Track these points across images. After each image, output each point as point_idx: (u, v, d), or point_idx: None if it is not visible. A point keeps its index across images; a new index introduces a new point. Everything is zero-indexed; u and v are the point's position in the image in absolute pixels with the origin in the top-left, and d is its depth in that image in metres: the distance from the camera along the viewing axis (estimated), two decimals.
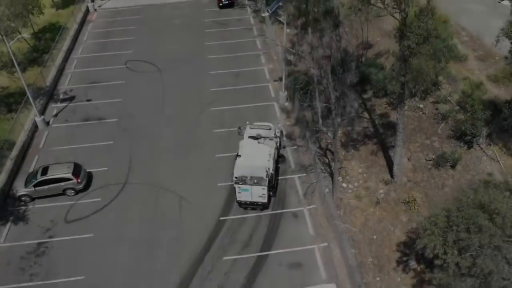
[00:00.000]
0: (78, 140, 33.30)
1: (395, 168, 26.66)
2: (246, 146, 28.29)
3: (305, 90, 29.78)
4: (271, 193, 27.35)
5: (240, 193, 26.51)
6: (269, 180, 26.51)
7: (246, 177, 26.29)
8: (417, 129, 29.70)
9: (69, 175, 28.28)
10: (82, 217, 27.60)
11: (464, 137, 27.36)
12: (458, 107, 29.28)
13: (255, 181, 26.11)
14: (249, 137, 29.34)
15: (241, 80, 39.05)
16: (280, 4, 30.75)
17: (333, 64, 26.31)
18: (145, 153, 32.01)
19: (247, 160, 26.94)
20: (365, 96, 34.23)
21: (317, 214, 26.99)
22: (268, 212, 27.30)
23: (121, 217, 27.44)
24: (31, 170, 30.60)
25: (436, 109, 30.42)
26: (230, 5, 51.22)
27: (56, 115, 36.07)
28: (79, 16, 50.16)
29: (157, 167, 30.80)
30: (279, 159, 30.76)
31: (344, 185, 28.27)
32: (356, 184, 28.19)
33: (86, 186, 29.29)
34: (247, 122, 31.29)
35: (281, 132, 31.80)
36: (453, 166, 26.26)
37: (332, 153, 29.13)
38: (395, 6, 19.13)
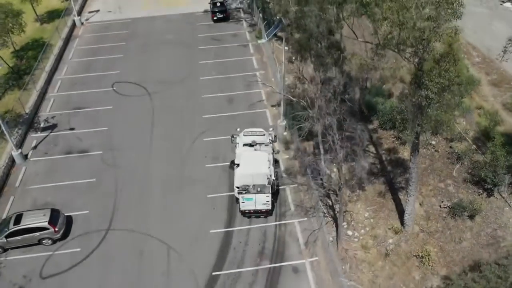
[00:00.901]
0: (58, 177, 30.50)
1: (406, 217, 24.04)
2: (244, 154, 27.69)
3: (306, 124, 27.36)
4: (273, 199, 26.91)
5: (243, 202, 26.00)
6: (271, 187, 26.41)
7: (249, 186, 26.03)
8: (430, 169, 27.07)
9: (46, 224, 25.50)
10: (59, 272, 24.86)
11: (483, 183, 24.71)
12: (474, 146, 26.67)
13: (258, 189, 25.89)
14: (244, 144, 28.74)
15: (236, 105, 36.25)
16: (279, 28, 28.10)
17: (335, 89, 23.93)
18: (130, 193, 29.22)
19: (247, 168, 26.42)
20: (370, 126, 31.58)
21: (319, 268, 24.32)
22: (266, 266, 24.62)
23: (102, 273, 24.65)
24: (4, 215, 27.83)
25: (450, 147, 27.78)
26: (225, 19, 48.37)
27: (35, 147, 33.26)
28: (65, 31, 47.19)
29: (143, 210, 28.04)
30: (275, 164, 29.67)
31: (350, 232, 25.63)
32: (362, 231, 25.55)
33: (65, 234, 26.58)
34: (238, 129, 30.57)
35: (275, 136, 30.78)
36: (471, 217, 23.65)
37: (336, 193, 26.60)
38: (412, 53, 16.47)
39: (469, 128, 27.83)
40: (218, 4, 48.50)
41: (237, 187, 26.39)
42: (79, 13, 51.68)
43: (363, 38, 21.91)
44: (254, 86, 38.29)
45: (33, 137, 34.18)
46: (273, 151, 29.73)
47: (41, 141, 33.78)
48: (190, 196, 28.65)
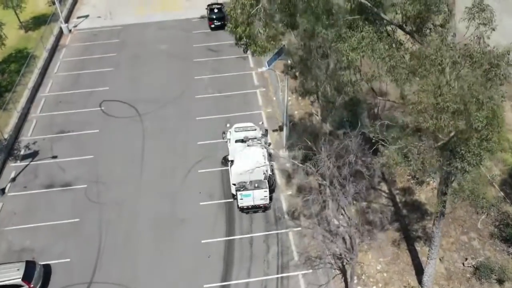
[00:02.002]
0: (37, 216, 27.61)
1: (425, 278, 21.25)
2: (237, 150, 27.58)
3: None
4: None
5: (242, 199, 26.18)
6: (268, 181, 26.59)
7: (246, 182, 26.10)
8: (451, 218, 24.13)
9: (19, 281, 22.67)
10: None
11: None
12: (502, 194, 23.74)
13: (256, 185, 26.07)
14: (236, 140, 28.45)
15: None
16: (281, 57, 25.09)
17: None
18: (116, 236, 26.30)
19: (242, 165, 26.23)
20: (382, 160, 28.58)
21: None
22: None
23: None
24: None
25: None
26: (223, 26, 44.98)
27: (14, 179, 30.34)
28: (51, 40, 43.85)
29: (130, 258, 25.11)
30: (269, 157, 29.08)
31: None
32: None
33: None
34: (228, 125, 30.41)
35: (266, 130, 30.84)
36: (500, 282, 20.86)
37: (345, 240, 23.83)
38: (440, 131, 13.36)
39: (495, 172, 24.72)
40: (216, 10, 45.09)
41: (234, 184, 26.51)
42: (67, 19, 48.28)
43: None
44: (254, 107, 35.24)
45: (12, 167, 31.21)
46: (266, 145, 29.19)
47: (20, 172, 30.84)
48: (182, 241, 25.79)
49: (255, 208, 26.77)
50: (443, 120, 11.83)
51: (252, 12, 16.47)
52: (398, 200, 26.12)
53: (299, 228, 26.17)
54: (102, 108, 35.97)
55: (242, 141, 28.17)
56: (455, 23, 14.14)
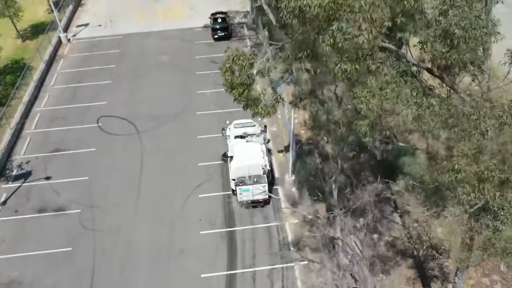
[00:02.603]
0: (28, 245, 25.97)
1: None
2: (237, 146, 27.97)
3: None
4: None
5: (241, 194, 26.55)
6: (266, 176, 27.02)
7: (244, 177, 26.52)
8: None
9: None
10: None
11: None
12: None
13: (255, 179, 26.41)
14: (236, 136, 28.84)
15: None
16: (287, 82, 23.45)
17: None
18: (111, 268, 24.57)
19: (241, 160, 26.85)
20: (395, 187, 26.86)
21: None
22: None
23: None
24: None
25: None
26: (227, 37, 43.38)
27: (4, 203, 28.75)
28: (48, 50, 42.34)
29: None
30: (268, 153, 29.61)
31: None
32: None
33: None
34: (227, 121, 30.41)
35: (265, 126, 30.83)
36: None
37: (355, 278, 22.13)
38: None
39: None
40: (220, 20, 43.45)
41: (233, 179, 26.94)
42: (66, 28, 46.91)
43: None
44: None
45: (3, 189, 29.62)
46: (264, 141, 29.59)
47: (12, 194, 29.31)
48: (181, 275, 24.04)
49: (254, 203, 27.17)
50: (487, 191, 10.14)
51: (250, 74, 14.72)
52: (412, 231, 24.34)
53: (306, 262, 24.44)
54: (99, 124, 34.38)
55: (241, 137, 28.76)
56: (490, 63, 12.43)
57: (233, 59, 15.01)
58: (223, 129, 30.34)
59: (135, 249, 25.51)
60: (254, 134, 28.84)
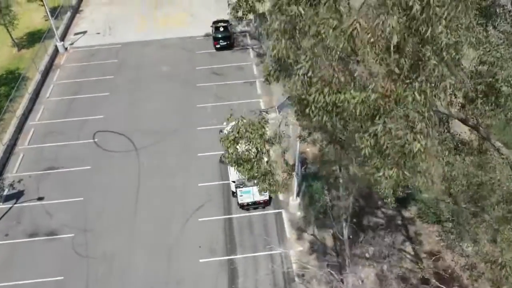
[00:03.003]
0: (17, 273, 24.45)
1: None
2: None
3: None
4: None
5: (241, 195, 26.54)
6: None
7: (245, 178, 24.67)
8: None
9: None
10: None
11: None
12: None
13: (255, 181, 23.16)
14: None
15: None
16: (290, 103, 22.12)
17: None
18: None
19: None
20: (406, 214, 25.32)
21: None
22: None
23: None
24: None
25: None
26: (229, 46, 41.90)
27: None
28: (44, 60, 40.86)
29: None
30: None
31: None
32: None
33: None
34: (224, 123, 29.43)
35: None
36: None
37: None
38: None
39: None
40: (221, 28, 41.89)
41: (233, 181, 26.82)
42: (63, 36, 45.48)
43: None
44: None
45: None
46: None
47: (2, 216, 27.91)
48: None
49: (255, 205, 27.12)
50: None
51: (260, 147, 12.80)
52: (425, 264, 22.77)
53: None
54: (96, 140, 32.94)
55: None
56: None
57: (238, 131, 12.99)
58: (221, 131, 29.82)
59: (130, 279, 24.06)
60: None
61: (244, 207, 27.19)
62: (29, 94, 36.70)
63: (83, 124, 34.37)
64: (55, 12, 48.41)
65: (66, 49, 43.56)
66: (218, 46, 41.51)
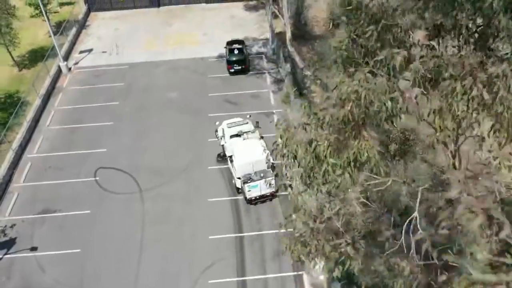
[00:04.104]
0: None
1: None
2: (236, 145, 28.11)
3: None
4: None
5: (250, 191, 26.70)
6: (271, 169, 27.53)
7: (251, 174, 26.87)
8: None
9: None
10: None
11: None
12: None
13: (262, 174, 26.86)
14: (231, 136, 29.02)
15: (254, 220, 26.90)
16: None
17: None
18: None
19: (244, 158, 27.04)
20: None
21: None
22: None
23: None
24: None
25: None
26: (243, 70, 38.81)
27: None
28: (46, 82, 38.13)
29: None
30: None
31: None
32: None
33: None
34: (217, 123, 30.58)
35: (257, 122, 30.81)
36: None
37: None
38: None
39: None
40: (236, 51, 38.65)
41: (239, 178, 27.08)
42: (68, 53, 42.81)
43: None
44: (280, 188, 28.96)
45: None
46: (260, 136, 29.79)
47: None
48: None
49: (262, 198, 27.30)
50: None
51: None
52: None
53: None
54: (97, 178, 30.03)
55: (237, 135, 28.92)
56: None
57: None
58: (216, 131, 30.55)
59: None
60: (249, 131, 29.35)
61: (252, 201, 27.41)
62: (27, 123, 33.91)
63: (84, 159, 31.50)
64: (60, 26, 45.92)
65: (69, 69, 40.80)
66: (232, 70, 38.39)
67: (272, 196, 27.43)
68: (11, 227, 27.25)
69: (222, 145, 30.11)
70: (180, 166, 30.41)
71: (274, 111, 34.46)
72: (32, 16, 45.96)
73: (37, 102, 36.11)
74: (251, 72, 38.95)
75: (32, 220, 27.55)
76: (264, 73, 39.03)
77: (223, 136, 29.66)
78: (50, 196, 28.97)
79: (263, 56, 41.23)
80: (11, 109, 35.55)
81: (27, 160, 31.87)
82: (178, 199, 28.28)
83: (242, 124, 29.82)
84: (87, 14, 49.40)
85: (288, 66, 37.10)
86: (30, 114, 34.82)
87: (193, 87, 37.73)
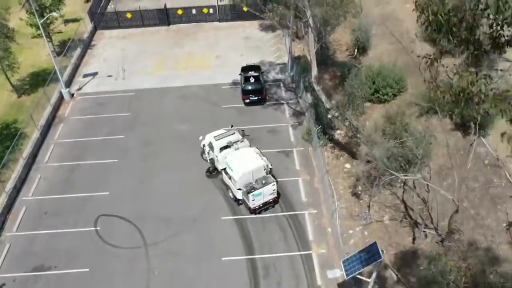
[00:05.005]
0: None
1: None
2: (230, 156, 27.56)
3: None
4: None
5: (254, 200, 25.99)
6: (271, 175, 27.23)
7: (252, 182, 26.36)
8: None
9: None
10: None
11: None
12: None
13: (263, 182, 26.34)
14: (221, 148, 28.70)
15: (273, 279, 23.61)
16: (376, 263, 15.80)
17: None
18: None
19: (243, 168, 26.48)
20: None
21: None
22: None
23: None
24: None
25: None
26: (260, 101, 35.60)
27: None
28: (47, 111, 35.27)
29: None
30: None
31: None
32: None
33: None
34: (200, 138, 30.26)
35: (243, 131, 30.57)
36: None
37: None
38: None
39: None
40: (252, 79, 35.31)
41: (239, 189, 26.49)
42: (72, 76, 40.09)
43: None
44: (302, 240, 25.18)
45: None
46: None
47: None
48: None
49: (266, 206, 26.80)
50: None
51: None
52: None
53: None
54: (98, 228, 26.90)
55: (227, 146, 28.72)
56: None
57: None
58: (204, 146, 30.04)
59: None
60: (238, 141, 29.07)
61: (256, 211, 26.67)
62: (23, 160, 31.01)
63: (84, 203, 28.45)
64: (64, 46, 43.19)
65: (72, 95, 37.93)
66: (248, 101, 35.15)
67: (274, 202, 27.05)
68: (1, 287, 24.35)
69: (211, 159, 29.63)
70: (190, 216, 27.09)
71: (294, 149, 31.21)
72: (33, 37, 43.24)
73: (35, 134, 33.17)
74: (268, 103, 35.72)
75: (24, 279, 24.45)
76: (283, 103, 35.72)
77: (211, 150, 29.19)
78: (45, 250, 25.86)
79: (281, 83, 37.96)
80: (7, 142, 32.70)
81: (22, 203, 28.79)
82: (188, 257, 24.83)
83: (229, 135, 29.38)
84: (92, 33, 46.57)
85: (309, 97, 33.83)
86: (27, 149, 31.85)
87: (204, 118, 34.47)
